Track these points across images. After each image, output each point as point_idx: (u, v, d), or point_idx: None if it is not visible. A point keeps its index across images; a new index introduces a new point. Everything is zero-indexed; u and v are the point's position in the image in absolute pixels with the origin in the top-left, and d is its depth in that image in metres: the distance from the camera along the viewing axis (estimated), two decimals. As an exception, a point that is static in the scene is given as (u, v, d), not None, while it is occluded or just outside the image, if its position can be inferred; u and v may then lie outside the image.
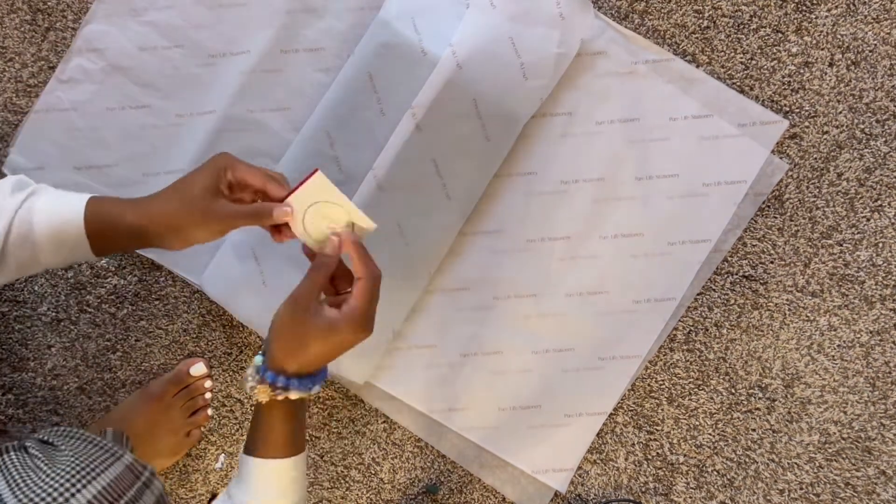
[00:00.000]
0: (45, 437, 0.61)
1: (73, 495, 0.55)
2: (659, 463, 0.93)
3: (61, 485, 0.55)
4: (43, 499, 0.54)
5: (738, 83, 0.92)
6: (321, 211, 0.65)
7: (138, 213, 0.65)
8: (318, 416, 0.93)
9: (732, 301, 0.92)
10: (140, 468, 0.62)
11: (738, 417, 0.92)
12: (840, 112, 0.92)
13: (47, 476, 0.56)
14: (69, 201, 0.65)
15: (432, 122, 0.86)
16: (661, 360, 0.93)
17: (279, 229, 0.67)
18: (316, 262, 0.65)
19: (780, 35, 0.92)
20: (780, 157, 0.92)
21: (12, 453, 0.58)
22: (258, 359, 0.65)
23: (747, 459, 0.92)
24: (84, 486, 0.56)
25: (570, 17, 0.88)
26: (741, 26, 0.92)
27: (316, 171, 0.64)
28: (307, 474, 0.93)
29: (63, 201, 0.65)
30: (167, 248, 0.66)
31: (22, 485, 0.55)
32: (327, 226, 0.65)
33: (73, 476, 0.57)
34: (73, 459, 0.58)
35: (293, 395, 0.63)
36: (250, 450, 0.66)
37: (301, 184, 0.64)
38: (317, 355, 0.62)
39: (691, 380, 0.93)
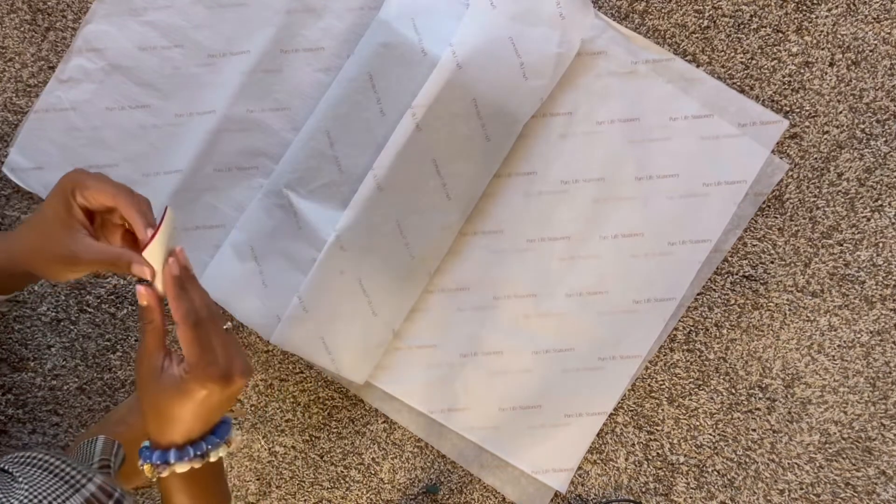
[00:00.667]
0: (3, 466, 0.57)
1: None
2: (659, 463, 0.93)
3: None
4: None
5: (739, 83, 0.92)
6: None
7: (1, 255, 0.58)
8: (317, 416, 0.93)
9: (732, 301, 0.92)
10: (103, 496, 0.57)
11: (739, 417, 0.92)
12: (840, 112, 0.92)
13: None
14: None
15: (432, 122, 0.86)
16: (661, 360, 0.93)
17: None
18: (140, 326, 0.59)
19: (780, 35, 0.92)
20: (781, 157, 0.92)
21: None
22: (146, 442, 0.59)
23: (747, 459, 0.92)
24: None
25: (570, 16, 0.88)
26: (741, 26, 0.92)
27: (166, 209, 0.57)
28: (309, 475, 0.93)
29: None
30: (50, 279, 0.59)
31: None
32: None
33: None
34: (28, 494, 0.53)
35: (179, 469, 0.56)
36: None
37: (156, 231, 0.56)
38: (189, 420, 0.56)
39: (691, 380, 0.93)
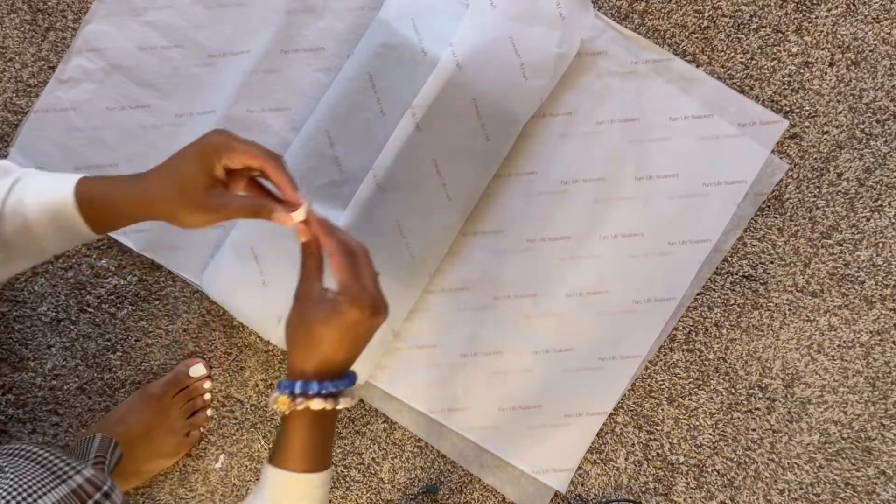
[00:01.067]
0: None
1: None
2: (659, 463, 0.93)
3: None
4: None
5: (738, 83, 0.92)
6: None
7: (131, 198, 0.62)
8: (318, 416, 0.93)
9: (732, 301, 0.92)
10: (91, 489, 0.58)
11: (738, 417, 0.92)
12: (840, 112, 0.92)
13: None
14: (58, 188, 0.62)
15: (432, 122, 0.86)
16: (661, 360, 0.93)
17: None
18: (301, 254, 0.64)
19: (780, 35, 0.92)
20: (781, 157, 0.92)
21: None
22: (281, 383, 0.61)
23: (747, 459, 0.92)
24: None
25: (569, 16, 0.88)
26: (741, 26, 0.92)
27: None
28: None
29: (53, 188, 0.62)
30: (182, 226, 0.63)
31: None
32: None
33: (8, 502, 0.53)
34: (13, 483, 0.54)
35: (314, 405, 0.58)
36: (271, 458, 0.62)
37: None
38: (330, 344, 0.58)
39: (691, 380, 0.93)
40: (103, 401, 0.92)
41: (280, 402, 0.59)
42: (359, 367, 0.89)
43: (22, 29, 0.92)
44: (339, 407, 0.60)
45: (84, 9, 0.92)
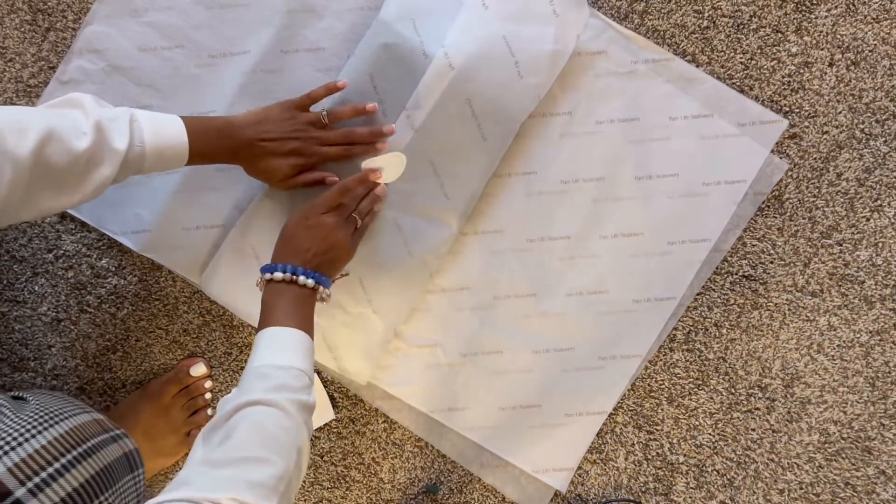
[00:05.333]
0: (17, 394, 0.63)
1: (33, 436, 0.56)
2: (659, 463, 0.93)
3: (24, 427, 0.56)
4: (2, 437, 0.55)
5: (738, 83, 0.92)
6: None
7: (227, 159, 0.79)
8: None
9: (732, 301, 0.93)
10: (111, 426, 0.63)
11: (738, 417, 0.92)
12: (840, 112, 0.92)
13: (11, 421, 0.57)
14: (169, 122, 0.72)
15: (427, 122, 0.86)
16: (661, 359, 0.93)
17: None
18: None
19: (779, 35, 0.92)
20: (780, 157, 0.92)
21: None
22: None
23: (747, 459, 0.92)
24: (46, 429, 0.57)
25: (563, 13, 0.88)
26: (741, 26, 0.92)
27: None
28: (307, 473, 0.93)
29: (162, 121, 0.72)
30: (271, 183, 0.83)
31: None
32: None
33: (36, 420, 0.57)
34: (38, 408, 0.59)
35: (278, 276, 0.72)
36: (258, 330, 0.70)
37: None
38: (308, 241, 0.75)
39: (691, 380, 0.93)
40: (104, 401, 0.92)
41: (261, 282, 0.74)
42: (361, 366, 0.90)
43: (22, 29, 0.92)
44: (301, 284, 0.73)
45: (84, 9, 0.92)
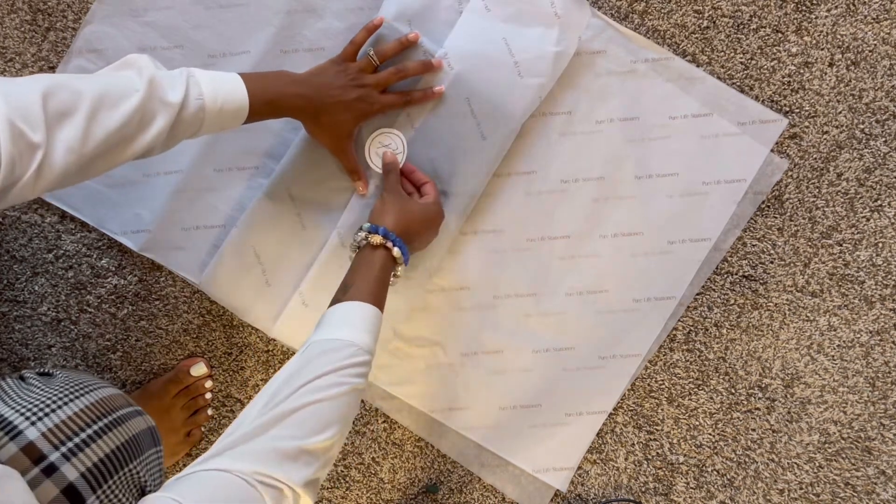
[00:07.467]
0: (44, 370, 0.65)
1: (65, 404, 0.58)
2: (659, 463, 0.93)
3: (56, 396, 0.58)
4: (35, 405, 0.57)
5: (738, 83, 0.92)
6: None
7: (291, 114, 0.78)
8: (318, 416, 0.93)
9: (732, 301, 0.93)
10: (133, 402, 0.65)
11: (738, 417, 0.92)
12: (840, 112, 0.92)
13: (41, 392, 0.59)
14: (228, 79, 0.71)
15: (427, 121, 0.86)
16: (661, 359, 0.93)
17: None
18: (383, 171, 0.85)
19: (780, 35, 0.92)
20: (780, 157, 0.92)
21: (8, 379, 0.62)
22: (366, 225, 0.76)
23: (747, 459, 0.92)
24: (75, 399, 0.59)
25: (566, 14, 0.88)
26: (741, 26, 0.92)
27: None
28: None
29: (222, 79, 0.71)
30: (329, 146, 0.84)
31: (16, 398, 0.58)
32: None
33: (65, 391, 0.59)
34: (66, 380, 0.61)
35: (395, 251, 0.75)
36: (340, 299, 0.70)
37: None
38: (417, 223, 0.79)
39: (691, 380, 0.93)
40: (103, 401, 0.92)
41: (373, 238, 0.75)
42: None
43: (22, 29, 0.92)
44: (398, 269, 0.77)
45: (84, 9, 0.92)
